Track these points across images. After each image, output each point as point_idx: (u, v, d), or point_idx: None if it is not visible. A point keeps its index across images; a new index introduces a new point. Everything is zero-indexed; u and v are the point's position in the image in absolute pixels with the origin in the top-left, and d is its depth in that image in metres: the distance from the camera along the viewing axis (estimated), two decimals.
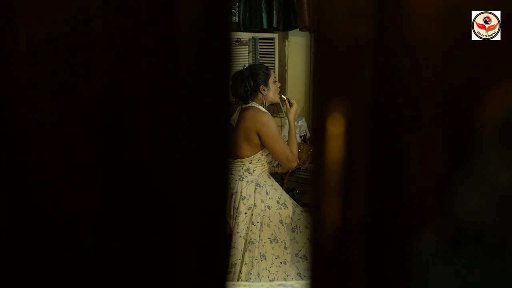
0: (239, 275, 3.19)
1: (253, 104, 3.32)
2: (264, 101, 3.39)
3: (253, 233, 3.23)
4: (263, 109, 3.36)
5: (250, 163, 3.33)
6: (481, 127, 0.85)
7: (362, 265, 1.11)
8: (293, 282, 2.96)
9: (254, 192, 3.30)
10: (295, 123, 4.21)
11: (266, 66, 3.56)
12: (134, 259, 1.11)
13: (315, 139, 1.11)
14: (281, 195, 3.37)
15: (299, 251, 3.30)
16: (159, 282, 1.11)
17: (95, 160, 1.09)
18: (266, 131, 3.27)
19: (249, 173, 3.33)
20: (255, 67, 3.53)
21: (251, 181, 3.31)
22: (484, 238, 0.73)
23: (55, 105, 1.08)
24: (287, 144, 3.42)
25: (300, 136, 4.03)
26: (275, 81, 3.46)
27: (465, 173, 0.80)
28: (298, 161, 3.64)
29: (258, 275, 3.20)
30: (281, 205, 3.32)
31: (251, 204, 3.26)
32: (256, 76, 3.38)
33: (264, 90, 3.38)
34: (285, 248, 3.28)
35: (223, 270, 1.13)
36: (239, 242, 3.18)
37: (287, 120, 4.26)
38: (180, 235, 1.10)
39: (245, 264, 3.20)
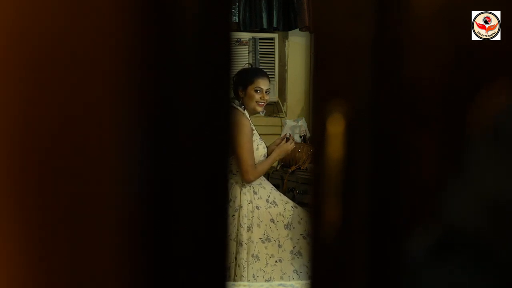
0: (234, 277, 3.19)
1: (235, 104, 3.29)
2: (244, 105, 3.36)
3: (241, 234, 3.23)
4: (242, 110, 3.35)
5: (231, 164, 3.32)
6: (472, 129, 0.85)
7: (362, 265, 1.11)
8: (293, 282, 2.96)
9: (240, 193, 3.29)
10: (295, 123, 4.20)
11: (257, 73, 3.46)
12: (134, 259, 1.11)
13: (315, 139, 1.11)
14: (270, 193, 3.37)
15: (293, 247, 3.30)
16: (159, 281, 1.11)
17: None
18: (235, 133, 3.23)
19: (233, 174, 3.32)
20: (244, 69, 3.50)
21: (236, 183, 3.31)
22: (474, 241, 0.73)
23: None
24: (262, 161, 3.37)
25: (300, 136, 4.03)
26: (256, 90, 3.37)
27: (457, 174, 0.80)
28: (298, 162, 3.64)
29: (254, 276, 3.20)
30: (271, 203, 3.32)
31: (237, 206, 3.27)
32: (238, 77, 3.37)
33: (241, 93, 3.36)
34: (279, 246, 3.28)
35: (223, 270, 1.13)
36: (230, 245, 3.18)
37: (287, 120, 4.27)
38: (180, 235, 1.10)
39: (238, 266, 3.21)
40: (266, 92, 3.38)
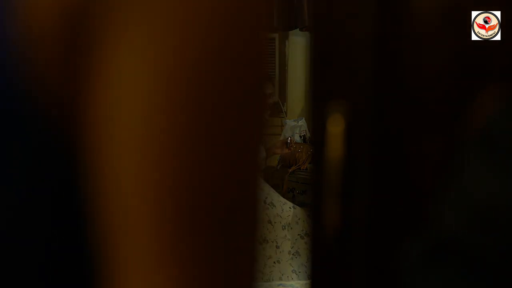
0: None
1: None
2: None
3: None
4: None
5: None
6: (468, 132, 0.85)
7: (362, 265, 1.11)
8: (293, 282, 2.96)
9: None
10: (295, 123, 4.21)
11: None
12: None
13: (315, 139, 1.11)
14: (268, 194, 3.38)
15: (291, 248, 3.31)
16: None
17: None
18: None
19: None
20: None
21: None
22: (467, 246, 0.73)
23: None
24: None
25: (300, 136, 4.03)
26: None
27: (451, 179, 0.80)
28: (298, 162, 3.65)
29: None
30: (268, 205, 3.33)
31: None
32: None
33: None
34: (277, 247, 3.29)
35: None
36: None
37: (287, 121, 4.27)
38: None
39: None
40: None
